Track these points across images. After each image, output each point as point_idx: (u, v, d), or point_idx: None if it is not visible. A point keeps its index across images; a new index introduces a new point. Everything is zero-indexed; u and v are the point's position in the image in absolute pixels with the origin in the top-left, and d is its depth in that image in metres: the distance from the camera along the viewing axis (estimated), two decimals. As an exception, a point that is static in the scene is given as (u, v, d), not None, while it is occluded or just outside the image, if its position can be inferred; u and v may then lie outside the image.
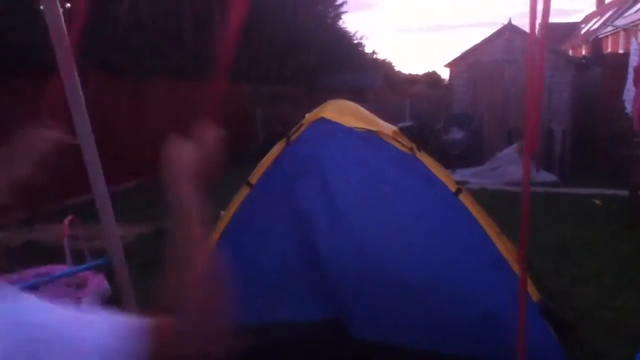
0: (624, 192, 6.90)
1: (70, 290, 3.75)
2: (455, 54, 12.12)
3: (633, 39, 7.85)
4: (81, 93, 2.03)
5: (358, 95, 13.25)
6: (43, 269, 3.99)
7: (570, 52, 24.67)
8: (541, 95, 1.77)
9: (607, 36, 25.93)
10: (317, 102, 3.44)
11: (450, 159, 10.12)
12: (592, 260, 4.90)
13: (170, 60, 10.50)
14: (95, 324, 0.93)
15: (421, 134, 11.60)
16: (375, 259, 2.89)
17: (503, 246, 2.82)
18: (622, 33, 22.20)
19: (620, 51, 16.53)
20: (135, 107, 9.67)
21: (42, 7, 1.98)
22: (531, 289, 2.74)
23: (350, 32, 24.44)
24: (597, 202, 7.38)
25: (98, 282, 3.96)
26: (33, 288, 3.96)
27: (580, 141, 10.07)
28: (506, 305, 2.67)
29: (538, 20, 1.67)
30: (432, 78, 22.92)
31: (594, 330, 3.44)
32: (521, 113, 9.78)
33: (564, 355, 2.65)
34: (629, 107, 6.85)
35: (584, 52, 27.18)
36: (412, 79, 22.56)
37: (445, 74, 12.86)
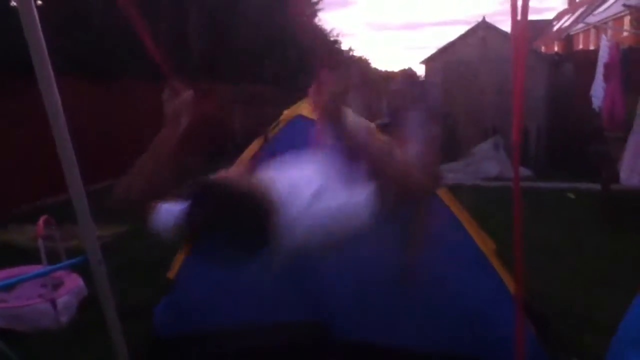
0: (596, 187, 7.02)
1: (47, 291, 3.70)
2: (431, 51, 12.21)
3: (603, 36, 7.98)
4: (57, 92, 2.00)
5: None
6: (18, 270, 3.94)
7: (543, 49, 25.01)
8: (523, 88, 1.78)
9: (578, 33, 26.37)
10: (295, 100, 3.43)
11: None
12: (567, 255, 4.98)
13: (145, 61, 10.38)
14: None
15: (397, 131, 11.62)
16: (357, 258, 2.90)
17: (481, 240, 2.85)
18: (592, 30, 22.58)
19: (592, 48, 16.82)
20: (113, 107, 9.55)
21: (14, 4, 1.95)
22: (510, 284, 2.78)
23: (326, 30, 24.48)
24: (571, 196, 7.52)
25: (74, 282, 3.92)
26: (8, 288, 3.93)
27: (555, 137, 10.22)
28: (488, 301, 2.71)
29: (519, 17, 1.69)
30: (407, 74, 23.08)
31: (570, 324, 3.49)
32: (496, 110, 9.91)
33: (541, 348, 2.70)
34: (596, 102, 6.97)
35: (556, 49, 27.59)
36: (389, 76, 22.61)
37: (420, 70, 12.91)
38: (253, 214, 1.54)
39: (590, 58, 8.02)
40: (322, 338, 2.87)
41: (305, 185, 1.86)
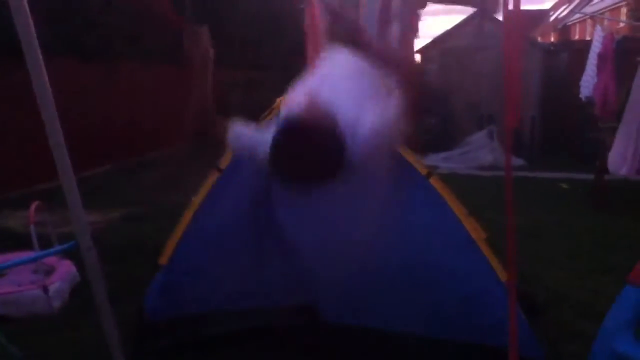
0: (590, 176, 7.05)
1: (38, 277, 3.70)
2: (427, 40, 12.16)
3: (597, 26, 7.98)
4: (45, 76, 1.98)
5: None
6: (9, 256, 3.93)
7: (539, 39, 24.97)
8: (520, 74, 1.78)
9: (575, 23, 26.34)
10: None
11: (422, 144, 10.20)
12: (559, 243, 5.00)
13: (141, 43, 10.31)
14: None
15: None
16: (347, 244, 2.91)
17: (472, 228, 2.86)
18: (589, 21, 22.55)
19: (588, 38, 16.79)
20: (106, 92, 9.48)
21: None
22: (499, 271, 2.79)
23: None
24: (564, 186, 7.54)
25: (66, 268, 3.92)
26: (-1, 274, 3.92)
27: (549, 126, 10.24)
28: (477, 286, 2.72)
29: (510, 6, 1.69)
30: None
31: (564, 311, 3.52)
32: (492, 99, 9.90)
33: (533, 333, 2.72)
34: (584, 92, 6.98)
35: (552, 39, 27.56)
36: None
37: (417, 58, 12.86)
38: (332, 148, 1.99)
39: (585, 48, 8.02)
40: (311, 321, 2.89)
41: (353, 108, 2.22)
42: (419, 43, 12.18)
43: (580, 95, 7.09)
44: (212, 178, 3.16)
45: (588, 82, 6.88)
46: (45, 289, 3.53)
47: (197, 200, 3.13)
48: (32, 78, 1.95)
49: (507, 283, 2.03)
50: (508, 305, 2.24)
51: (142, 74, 10.42)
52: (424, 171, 2.98)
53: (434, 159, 9.34)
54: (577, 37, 24.92)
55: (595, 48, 6.87)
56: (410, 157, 3.04)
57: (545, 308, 3.33)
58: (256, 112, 3.27)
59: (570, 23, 26.32)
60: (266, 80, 13.06)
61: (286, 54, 14.56)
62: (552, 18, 29.87)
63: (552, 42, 21.62)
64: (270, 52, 14.61)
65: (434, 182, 2.95)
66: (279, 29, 15.03)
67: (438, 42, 11.71)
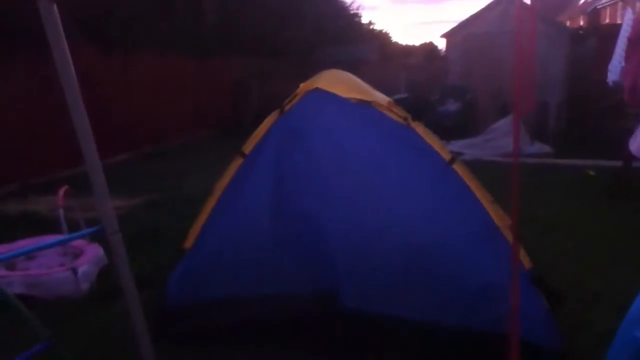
0: (617, 164, 6.92)
1: (67, 260, 3.78)
2: (452, 24, 12.04)
3: (628, 9, 7.77)
4: (71, 65, 2.01)
5: (353, 67, 13.15)
6: (37, 239, 4.03)
7: (568, 24, 24.47)
8: (534, 56, 1.74)
9: (604, 7, 25.73)
10: (310, 75, 3.41)
11: (445, 131, 10.12)
12: (582, 232, 4.93)
13: (161, 33, 10.37)
14: None
15: (416, 106, 11.58)
16: (368, 230, 2.91)
17: (496, 215, 2.84)
18: (620, 4, 22.01)
19: (618, 22, 16.43)
20: (129, 80, 9.60)
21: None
22: (523, 258, 2.77)
23: (346, 3, 24.19)
24: (591, 173, 7.42)
25: (94, 251, 3.99)
26: (29, 257, 4.02)
27: (575, 113, 10.07)
28: (500, 274, 2.70)
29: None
30: (428, 49, 22.69)
31: (579, 303, 3.48)
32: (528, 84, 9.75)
33: (554, 323, 2.70)
34: (611, 77, 6.80)
35: (581, 23, 26.99)
36: (409, 50, 22.35)
37: (442, 44, 12.76)
38: None
39: (615, 33, 7.83)
40: (330, 308, 2.91)
41: None
42: (443, 28, 12.06)
43: (608, 80, 6.91)
44: (236, 163, 3.19)
45: (616, 67, 6.70)
46: (74, 272, 3.61)
47: (221, 185, 3.17)
48: (58, 67, 1.98)
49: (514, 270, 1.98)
50: (529, 294, 2.24)
51: (161, 63, 10.49)
52: (447, 157, 2.98)
53: (457, 146, 9.26)
54: (607, 21, 24.35)
55: (625, 32, 6.69)
56: (434, 143, 3.03)
57: (563, 298, 3.30)
58: (273, 100, 3.29)
59: (600, 6, 25.73)
60: (281, 68, 13.06)
61: (303, 42, 14.53)
62: (581, 1, 29.26)
63: (580, 27, 21.20)
64: (287, 40, 14.58)
65: (457, 168, 2.94)
66: (297, 17, 15.00)
67: (463, 26, 11.59)
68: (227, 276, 3.04)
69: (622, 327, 2.33)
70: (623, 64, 6.59)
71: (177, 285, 3.12)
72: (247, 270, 3.03)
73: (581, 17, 28.73)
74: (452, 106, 10.98)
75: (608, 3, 24.68)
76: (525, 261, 2.77)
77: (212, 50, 11.64)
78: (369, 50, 17.25)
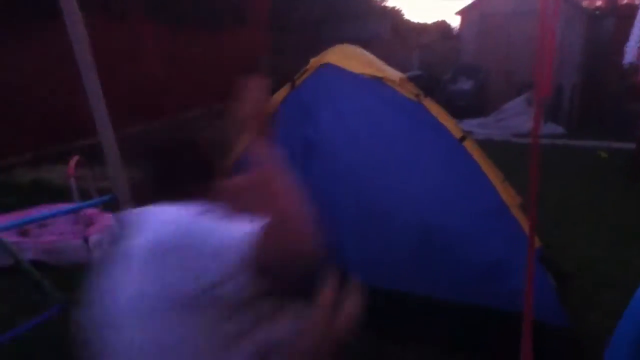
0: (630, 146, 6.87)
1: (78, 228, 3.84)
2: (467, 1, 11.86)
3: None
4: (86, 36, 2.03)
5: (365, 44, 13.04)
6: (50, 207, 4.08)
7: (584, 3, 24.06)
8: (554, 37, 1.71)
9: (623, -13, 25.21)
10: (321, 51, 3.40)
11: (457, 110, 10.06)
12: (593, 213, 4.92)
13: (174, 5, 10.32)
14: (231, 231, 1.26)
15: (429, 84, 11.50)
16: (378, 207, 2.91)
17: (506, 194, 2.85)
18: (639, -16, 21.53)
19: (637, 2, 16.12)
20: (142, 52, 9.57)
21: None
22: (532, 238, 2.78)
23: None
24: (603, 154, 7.37)
25: (105, 220, 4.05)
26: (41, 224, 4.08)
27: (590, 94, 9.96)
28: (509, 252, 2.71)
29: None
30: (442, 27, 22.42)
31: (589, 282, 3.49)
32: (531, 64, 9.65)
33: (559, 301, 2.72)
34: (627, 58, 6.66)
35: (599, 3, 26.50)
36: (421, 28, 22.08)
37: (456, 22, 12.61)
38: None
39: (633, 13, 7.70)
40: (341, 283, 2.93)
41: None
42: (458, 5, 11.92)
43: (624, 62, 6.79)
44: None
45: (632, 48, 6.58)
46: (85, 240, 3.67)
47: (228, 162, 3.16)
48: (72, 39, 2.00)
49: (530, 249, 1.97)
50: (536, 272, 2.23)
51: (175, 34, 10.45)
52: (458, 135, 2.97)
53: (469, 125, 9.22)
54: (625, 1, 23.89)
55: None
56: (446, 120, 3.03)
57: (571, 278, 3.31)
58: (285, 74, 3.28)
59: (618, -13, 25.20)
60: (291, 44, 12.92)
61: (313, 18, 14.38)
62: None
63: (597, 7, 20.81)
64: (297, 15, 14.44)
65: (468, 145, 2.94)
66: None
67: (478, 4, 11.43)
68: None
69: (631, 306, 2.31)
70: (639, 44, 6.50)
71: None
72: None
73: (599, -3, 28.20)
74: (464, 85, 10.89)
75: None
76: (535, 240, 2.78)
77: (225, 23, 11.57)
78: (381, 27, 17.06)
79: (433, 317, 2.80)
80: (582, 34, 10.01)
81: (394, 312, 2.84)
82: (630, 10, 9.95)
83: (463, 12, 11.91)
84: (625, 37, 7.25)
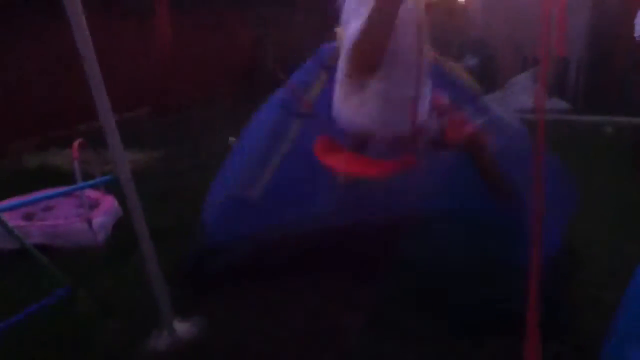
0: (637, 121, 6.77)
1: (82, 211, 3.85)
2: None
3: None
4: (83, 18, 2.02)
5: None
6: (54, 190, 4.09)
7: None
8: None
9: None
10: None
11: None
12: (598, 199, 4.48)
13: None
14: None
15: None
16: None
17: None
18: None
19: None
20: (144, 38, 9.51)
21: None
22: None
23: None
24: (609, 130, 7.29)
25: (109, 203, 4.06)
26: (46, 208, 4.10)
27: (597, 68, 9.81)
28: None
29: None
30: (449, 2, 22.11)
31: (586, 272, 3.36)
32: (538, 39, 9.51)
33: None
34: (639, 30, 6.50)
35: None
36: (429, 3, 21.81)
37: (461, -2, 12.42)
38: None
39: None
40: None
41: None
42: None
43: (635, 35, 6.64)
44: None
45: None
46: (89, 222, 3.68)
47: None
48: (71, 21, 1.99)
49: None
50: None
51: (176, 20, 10.35)
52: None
53: (475, 101, 9.14)
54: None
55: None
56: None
57: (572, 269, 3.23)
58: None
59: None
60: (296, 20, 12.68)
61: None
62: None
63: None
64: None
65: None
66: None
67: (483, -21, 11.27)
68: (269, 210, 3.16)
69: (610, 345, 2.18)
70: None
71: (215, 219, 3.21)
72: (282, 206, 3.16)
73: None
74: (470, 61, 10.77)
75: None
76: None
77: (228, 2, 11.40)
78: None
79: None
80: (590, 5, 9.84)
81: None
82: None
83: (469, -13, 11.76)
84: (635, 9, 7.10)
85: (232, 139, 5.95)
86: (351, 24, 2.25)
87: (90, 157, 4.07)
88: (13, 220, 3.52)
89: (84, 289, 3.09)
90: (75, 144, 3.77)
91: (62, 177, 4.90)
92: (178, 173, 5.56)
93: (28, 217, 3.95)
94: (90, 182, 2.84)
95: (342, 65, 2.51)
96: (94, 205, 4.01)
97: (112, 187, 3.64)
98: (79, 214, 3.93)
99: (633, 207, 4.53)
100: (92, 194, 4.18)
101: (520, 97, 9.00)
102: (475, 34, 11.28)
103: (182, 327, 2.68)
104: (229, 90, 11.12)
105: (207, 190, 3.42)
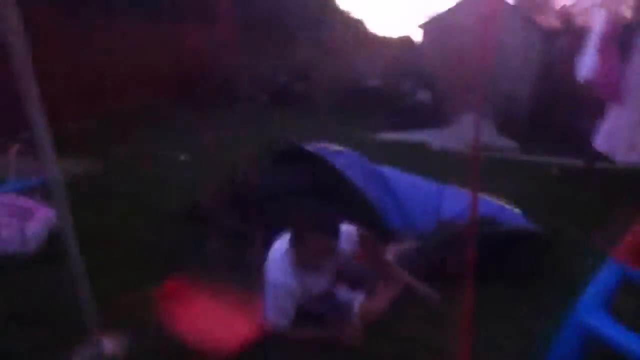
0: (580, 163, 7.02)
1: (16, 219, 3.70)
2: (430, 15, 12.07)
3: (600, 9, 7.70)
4: (20, 27, 1.96)
5: (325, 51, 13.11)
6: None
7: (541, 21, 24.75)
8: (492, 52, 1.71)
9: (579, 9, 26.04)
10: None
11: (415, 120, 10.16)
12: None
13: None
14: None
15: (387, 94, 11.66)
16: None
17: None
18: (594, 8, 22.23)
19: (592, 23, 16.60)
20: (84, 46, 9.30)
21: None
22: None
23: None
24: (554, 170, 7.46)
25: (44, 212, 3.91)
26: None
27: (544, 109, 10.16)
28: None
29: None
30: (405, 42, 22.69)
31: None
32: (488, 78, 9.81)
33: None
34: (582, 73, 6.76)
35: (557, 23, 27.28)
36: (385, 41, 22.29)
37: (419, 35, 12.82)
38: None
39: (588, 32, 7.87)
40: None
41: None
42: (421, 19, 12.12)
43: (578, 78, 6.90)
44: None
45: (587, 64, 6.69)
46: (22, 231, 3.54)
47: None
48: (5, 28, 1.92)
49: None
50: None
51: (119, 27, 10.21)
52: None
53: (426, 135, 9.31)
54: (580, 22, 24.68)
55: (598, 30, 6.70)
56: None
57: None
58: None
59: (574, 8, 26.02)
60: (245, 42, 12.60)
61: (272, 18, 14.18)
62: (559, 2, 29.51)
63: (553, 24, 21.37)
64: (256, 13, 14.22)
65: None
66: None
67: (440, 18, 11.63)
68: None
69: (573, 313, 2.37)
70: (595, 61, 6.62)
71: None
72: None
73: (557, 16, 29.05)
74: (423, 96, 11.04)
75: (582, 6, 25.01)
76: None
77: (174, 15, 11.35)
78: (344, 36, 17.11)
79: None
80: (538, 51, 10.26)
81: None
82: (584, 29, 10.22)
83: (424, 26, 12.09)
84: (579, 54, 7.38)
85: (182, 157, 5.89)
86: None
87: (30, 163, 3.93)
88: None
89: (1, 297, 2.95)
90: (13, 149, 3.65)
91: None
92: (118, 181, 5.44)
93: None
94: (13, 183, 2.73)
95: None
96: (27, 213, 3.85)
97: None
98: (10, 222, 3.76)
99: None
100: (25, 202, 4.02)
101: (468, 132, 9.19)
102: (428, 69, 11.59)
103: (108, 341, 2.56)
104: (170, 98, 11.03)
105: (144, 199, 3.36)
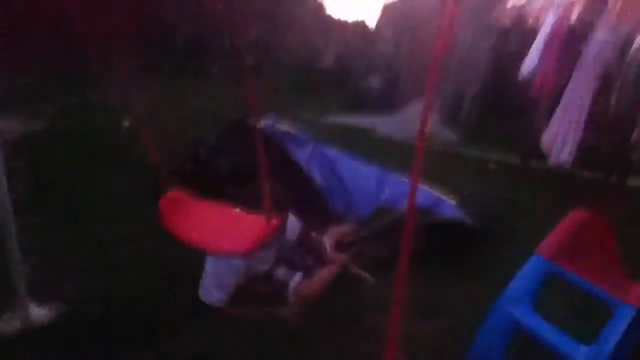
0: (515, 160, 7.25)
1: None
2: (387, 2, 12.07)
3: (550, 10, 7.81)
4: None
5: (282, 27, 12.94)
6: None
7: (494, 18, 25.16)
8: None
9: (530, 9, 26.59)
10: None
11: (364, 105, 10.18)
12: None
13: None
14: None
15: (339, 76, 11.64)
16: None
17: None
18: (545, 9, 22.69)
19: (542, 20, 16.92)
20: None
21: None
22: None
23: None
24: (491, 165, 7.67)
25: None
26: None
27: (490, 105, 10.32)
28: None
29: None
30: (360, 26, 22.63)
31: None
32: (441, 69, 9.89)
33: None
34: (525, 70, 6.93)
35: (508, 21, 27.78)
36: (341, 25, 22.20)
37: (374, 21, 12.84)
38: None
39: (538, 29, 8.02)
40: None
41: None
42: (378, 5, 12.07)
43: (521, 74, 7.04)
44: None
45: (531, 62, 6.85)
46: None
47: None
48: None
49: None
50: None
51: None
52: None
53: (372, 121, 9.30)
54: (532, 19, 25.19)
55: (544, 29, 6.86)
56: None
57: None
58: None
59: (525, 8, 26.55)
60: None
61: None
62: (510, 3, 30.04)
63: (504, 22, 21.64)
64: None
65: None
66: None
67: (397, 3, 11.64)
68: None
69: (499, 304, 2.47)
70: (538, 59, 6.79)
71: None
72: None
73: (509, 14, 29.59)
74: (373, 82, 11.07)
75: (534, 7, 25.55)
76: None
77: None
78: (300, 14, 16.86)
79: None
80: (488, 47, 10.41)
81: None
82: (534, 30, 10.44)
83: (382, 10, 12.10)
84: (526, 53, 7.53)
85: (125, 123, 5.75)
86: None
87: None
88: None
89: None
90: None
91: None
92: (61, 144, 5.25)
93: None
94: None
95: None
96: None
97: None
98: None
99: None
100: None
101: (413, 122, 9.24)
102: (381, 55, 11.59)
103: (38, 312, 2.51)
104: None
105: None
